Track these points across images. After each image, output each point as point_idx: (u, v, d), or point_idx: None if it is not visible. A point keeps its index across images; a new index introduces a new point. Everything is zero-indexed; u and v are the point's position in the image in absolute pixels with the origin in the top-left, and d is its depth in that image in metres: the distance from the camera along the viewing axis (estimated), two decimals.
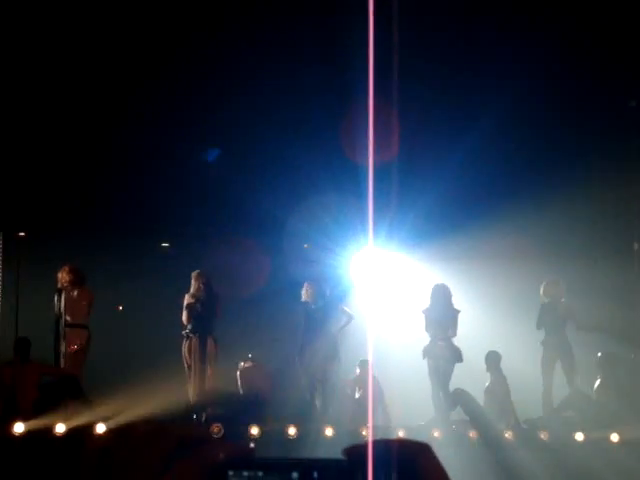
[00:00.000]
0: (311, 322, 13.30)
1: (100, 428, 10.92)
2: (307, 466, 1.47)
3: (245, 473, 1.46)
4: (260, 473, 1.47)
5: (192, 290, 13.22)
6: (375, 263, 15.38)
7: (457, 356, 13.37)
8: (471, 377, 13.74)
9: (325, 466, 1.46)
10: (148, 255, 16.72)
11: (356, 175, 10.79)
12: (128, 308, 17.03)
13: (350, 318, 13.30)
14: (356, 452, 1.45)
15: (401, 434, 12.08)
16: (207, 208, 16.03)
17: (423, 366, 13.50)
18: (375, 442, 1.44)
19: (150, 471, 1.36)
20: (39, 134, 15.21)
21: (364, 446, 1.45)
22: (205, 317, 13.08)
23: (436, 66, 14.87)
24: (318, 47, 14.44)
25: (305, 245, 16.57)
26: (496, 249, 15.78)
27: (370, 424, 11.16)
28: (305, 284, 13.53)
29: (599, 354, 13.96)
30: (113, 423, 10.74)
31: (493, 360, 13.82)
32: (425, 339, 13.56)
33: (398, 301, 15.89)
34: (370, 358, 12.90)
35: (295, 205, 15.31)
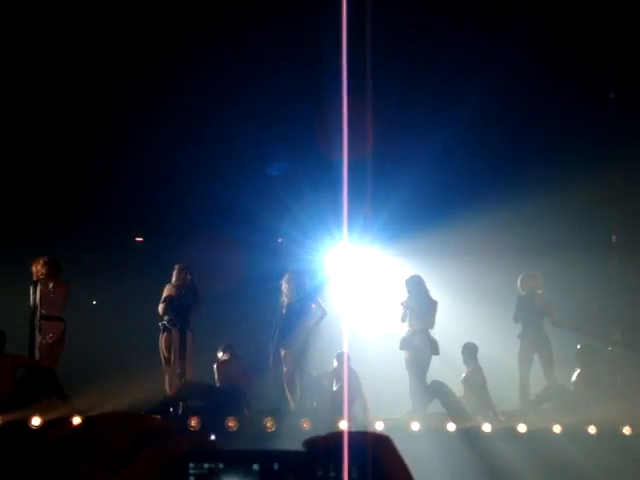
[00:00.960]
0: (287, 315, 13.31)
1: (76, 421, 10.87)
2: (268, 457, 1.47)
3: (206, 465, 1.46)
4: (221, 465, 1.47)
5: (174, 281, 13.16)
6: (350, 256, 15.38)
7: (434, 348, 13.38)
8: (448, 369, 13.78)
9: (286, 457, 1.47)
10: (121, 249, 16.68)
11: (331, 170, 10.80)
12: (101, 302, 16.99)
13: (324, 313, 13.30)
14: (316, 444, 1.46)
15: (379, 426, 12.10)
16: (181, 203, 16.01)
17: (400, 358, 13.52)
18: (335, 434, 1.44)
19: (109, 463, 1.35)
20: (13, 127, 15.16)
21: (324, 438, 1.46)
22: (185, 310, 13.05)
23: (411, 63, 14.90)
24: (292, 43, 14.44)
25: (279, 239, 16.58)
26: (473, 243, 15.80)
27: (346, 416, 11.16)
28: (285, 275, 13.54)
29: (578, 346, 14.01)
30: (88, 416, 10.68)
31: (470, 351, 13.82)
32: (401, 331, 13.57)
33: (373, 295, 15.91)
34: (346, 350, 12.93)
35: (269, 199, 15.31)
